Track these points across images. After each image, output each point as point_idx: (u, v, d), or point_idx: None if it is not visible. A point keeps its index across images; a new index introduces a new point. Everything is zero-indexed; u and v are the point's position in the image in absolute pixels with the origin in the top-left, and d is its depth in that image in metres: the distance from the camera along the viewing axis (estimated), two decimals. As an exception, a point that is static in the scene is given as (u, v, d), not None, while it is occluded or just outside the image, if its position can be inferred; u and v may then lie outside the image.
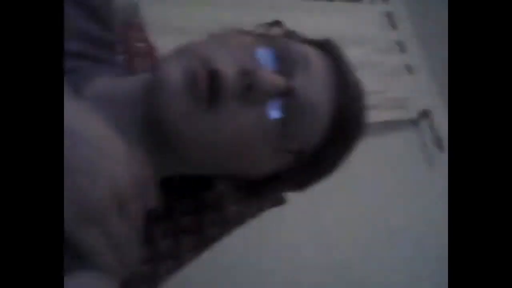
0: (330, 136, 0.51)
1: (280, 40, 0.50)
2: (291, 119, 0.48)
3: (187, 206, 0.65)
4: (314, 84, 0.49)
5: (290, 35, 0.52)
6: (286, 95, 0.47)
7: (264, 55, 0.48)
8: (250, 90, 0.45)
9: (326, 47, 0.54)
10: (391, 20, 1.87)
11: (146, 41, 0.77)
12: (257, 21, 0.56)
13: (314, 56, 0.51)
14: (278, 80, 0.46)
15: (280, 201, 0.75)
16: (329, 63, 0.52)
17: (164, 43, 0.96)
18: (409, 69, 1.82)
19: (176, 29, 1.37)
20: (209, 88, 0.43)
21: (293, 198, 0.76)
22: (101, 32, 0.57)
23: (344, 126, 0.51)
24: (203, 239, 0.68)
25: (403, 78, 1.79)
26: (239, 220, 0.71)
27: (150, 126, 0.47)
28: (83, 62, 0.53)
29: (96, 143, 0.39)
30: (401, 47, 1.84)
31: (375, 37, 1.78)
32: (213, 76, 0.43)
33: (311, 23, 1.62)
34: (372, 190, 1.57)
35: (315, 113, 0.49)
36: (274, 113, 0.47)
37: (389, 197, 1.59)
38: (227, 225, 0.70)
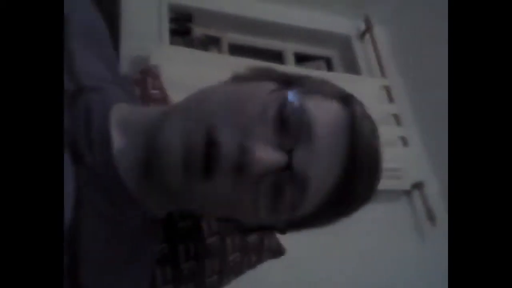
0: (327, 206, 0.49)
1: (294, 98, 0.47)
2: (286, 193, 0.46)
3: (190, 251, 0.66)
4: (318, 158, 0.46)
5: (312, 84, 0.51)
6: (284, 171, 0.45)
7: (272, 118, 0.46)
8: (243, 171, 0.44)
9: (346, 101, 0.51)
10: (388, 93, 1.96)
11: (161, 88, 0.81)
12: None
13: (326, 122, 0.47)
14: (273, 162, 0.44)
15: (278, 253, 0.76)
16: (344, 123, 0.48)
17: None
18: (404, 141, 1.87)
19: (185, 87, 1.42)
20: (205, 161, 0.44)
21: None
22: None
23: (344, 200, 0.49)
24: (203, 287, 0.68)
25: (398, 150, 1.84)
26: (238, 269, 0.72)
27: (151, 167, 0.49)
28: (107, 84, 0.57)
29: None
30: (397, 119, 1.91)
31: (373, 108, 1.83)
32: (212, 147, 0.44)
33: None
34: (359, 259, 1.57)
35: (312, 188, 0.46)
36: (267, 190, 0.46)
37: (377, 268, 1.58)
38: (226, 274, 0.70)
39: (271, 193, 0.46)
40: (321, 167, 0.46)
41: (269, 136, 0.45)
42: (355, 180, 0.47)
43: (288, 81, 0.51)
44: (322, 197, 0.48)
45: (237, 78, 0.54)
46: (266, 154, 0.44)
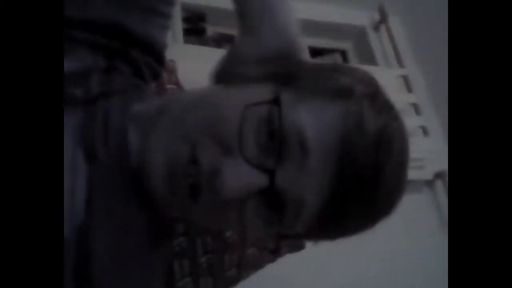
0: (318, 228, 0.46)
1: (277, 115, 0.43)
2: (272, 214, 0.44)
3: (208, 244, 0.66)
4: (304, 177, 0.42)
5: (316, 79, 0.47)
6: (268, 191, 0.42)
7: (251, 137, 0.43)
8: (216, 193, 0.42)
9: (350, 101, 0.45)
10: (406, 83, 1.92)
11: (177, 83, 0.81)
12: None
13: (315, 135, 0.42)
14: (246, 185, 0.42)
15: (298, 247, 0.76)
16: (337, 134, 0.42)
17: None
18: (424, 130, 1.84)
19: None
20: (189, 183, 0.43)
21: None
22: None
23: (334, 224, 0.45)
24: (221, 281, 0.68)
25: (419, 140, 1.81)
26: (257, 263, 0.72)
27: None
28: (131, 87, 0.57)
29: None
30: (416, 109, 1.88)
31: (391, 99, 1.81)
32: (194, 167, 0.43)
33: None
34: (383, 249, 1.55)
35: (301, 209, 0.43)
36: (251, 210, 0.44)
37: (401, 258, 1.57)
38: (245, 267, 0.70)
39: (256, 213, 0.44)
40: (308, 186, 0.42)
41: (248, 155, 0.42)
42: (345, 203, 0.43)
43: (288, 77, 0.48)
44: (311, 219, 0.44)
45: (227, 79, 0.53)
46: (236, 177, 0.41)
